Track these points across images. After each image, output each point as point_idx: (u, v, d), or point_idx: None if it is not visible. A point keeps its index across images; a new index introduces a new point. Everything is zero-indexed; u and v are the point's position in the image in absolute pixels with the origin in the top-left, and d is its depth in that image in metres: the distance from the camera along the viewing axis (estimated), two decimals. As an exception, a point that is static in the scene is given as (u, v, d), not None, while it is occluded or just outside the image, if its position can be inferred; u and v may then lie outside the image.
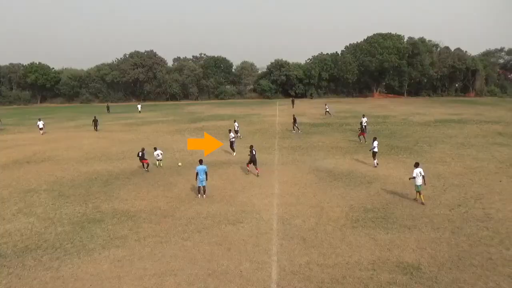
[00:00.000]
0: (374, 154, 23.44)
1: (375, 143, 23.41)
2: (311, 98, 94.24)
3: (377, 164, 23.32)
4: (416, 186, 16.66)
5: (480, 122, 42.63)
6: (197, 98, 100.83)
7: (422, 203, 16.44)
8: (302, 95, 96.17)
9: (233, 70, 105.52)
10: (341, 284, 10.48)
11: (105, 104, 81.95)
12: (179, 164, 12.39)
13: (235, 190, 19.32)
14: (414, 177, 16.67)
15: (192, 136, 37.93)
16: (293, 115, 39.76)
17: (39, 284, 10.94)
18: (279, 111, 62.01)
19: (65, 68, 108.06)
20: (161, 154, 25.37)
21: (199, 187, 18.27)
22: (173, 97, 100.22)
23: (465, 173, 21.18)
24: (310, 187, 19.43)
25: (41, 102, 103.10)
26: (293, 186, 19.68)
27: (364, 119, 35.62)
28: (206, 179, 18.22)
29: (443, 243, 12.73)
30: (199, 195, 18.34)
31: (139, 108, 69.79)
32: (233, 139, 28.98)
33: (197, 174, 17.98)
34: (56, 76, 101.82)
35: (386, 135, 34.94)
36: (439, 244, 12.71)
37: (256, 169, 22.03)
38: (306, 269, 11.32)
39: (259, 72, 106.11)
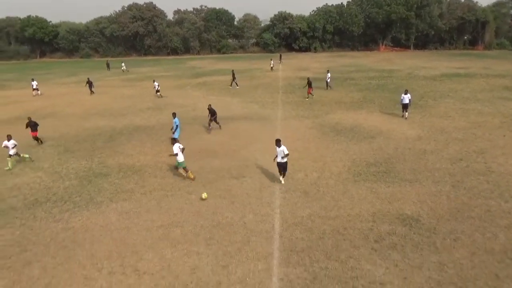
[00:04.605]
0: (404, 106, 23.46)
1: (407, 95, 23.16)
2: (315, 52, 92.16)
3: (407, 117, 23.39)
4: (178, 162, 15.12)
5: (487, 76, 41.83)
6: (198, 52, 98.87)
7: (193, 179, 15.16)
8: (306, 49, 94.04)
9: (235, 23, 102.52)
10: (342, 235, 10.82)
11: (106, 59, 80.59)
12: (203, 196, 11.84)
13: (238, 145, 19.44)
14: (176, 154, 14.94)
15: (194, 91, 37.62)
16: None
17: (51, 235, 11.36)
18: (282, 65, 60.92)
19: (63, 22, 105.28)
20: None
21: (173, 139, 19.18)
22: (174, 52, 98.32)
23: (469, 128, 21.13)
24: (313, 142, 19.52)
25: (40, 57, 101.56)
26: (296, 141, 19.76)
27: (328, 75, 35.80)
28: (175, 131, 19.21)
29: (443, 196, 12.97)
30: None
31: (123, 66, 60.66)
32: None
33: (174, 124, 19.21)
34: (54, 29, 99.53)
35: (391, 89, 34.50)
36: (439, 197, 12.94)
37: (217, 123, 22.44)
38: (308, 221, 11.64)
39: (262, 25, 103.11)
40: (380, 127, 21.96)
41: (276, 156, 14.06)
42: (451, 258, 9.51)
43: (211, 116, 22.10)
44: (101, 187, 14.84)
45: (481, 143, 18.47)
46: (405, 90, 23.60)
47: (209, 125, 22.49)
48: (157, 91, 34.75)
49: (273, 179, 14.91)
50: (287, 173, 14.55)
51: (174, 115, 19.35)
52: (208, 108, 22.26)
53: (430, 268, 9.18)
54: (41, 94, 38.14)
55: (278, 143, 13.87)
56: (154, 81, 36.20)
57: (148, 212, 12.60)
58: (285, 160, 13.94)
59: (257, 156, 17.68)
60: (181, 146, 15.19)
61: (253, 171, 15.84)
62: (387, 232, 10.86)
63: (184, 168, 15.27)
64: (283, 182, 14.26)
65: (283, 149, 13.70)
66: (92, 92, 37.67)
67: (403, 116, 23.62)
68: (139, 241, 10.84)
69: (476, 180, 14.22)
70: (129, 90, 40.31)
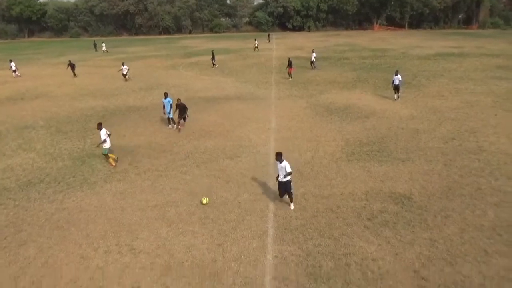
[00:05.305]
0: (395, 87, 23.05)
1: (397, 76, 22.74)
2: (309, 31, 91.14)
3: (397, 98, 23.07)
4: (104, 149, 14.57)
5: (480, 55, 41.80)
6: (190, 31, 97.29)
7: (113, 165, 14.76)
8: (300, 28, 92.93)
9: (228, 2, 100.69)
10: (335, 213, 10.96)
11: (96, 39, 79.01)
12: (203, 201, 11.15)
13: (232, 125, 19.39)
14: (104, 140, 14.33)
15: (186, 72, 37.20)
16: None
17: (45, 216, 11.37)
18: (275, 45, 60.25)
19: (51, 0, 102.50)
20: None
21: (168, 118, 19.23)
22: (166, 31, 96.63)
23: (462, 107, 21.24)
24: (307, 122, 19.52)
25: (28, 37, 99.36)
26: (290, 120, 19.76)
27: (314, 54, 35.70)
28: (171, 112, 19.04)
29: (435, 175, 13.14)
30: (170, 125, 19.28)
31: (104, 48, 57.96)
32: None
33: (163, 105, 18.88)
34: (42, 8, 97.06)
35: (384, 69, 34.39)
36: (431, 175, 13.11)
37: (179, 123, 18.66)
38: (302, 199, 11.76)
39: (255, 3, 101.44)
40: (373, 106, 21.98)
41: (278, 176, 11.06)
42: (442, 235, 9.72)
43: (180, 113, 18.34)
44: (94, 168, 14.79)
45: (474, 122, 18.62)
46: (396, 71, 23.24)
47: (178, 123, 18.61)
48: (124, 75, 32.73)
49: (268, 158, 14.95)
50: (293, 195, 11.43)
51: (165, 95, 19.13)
52: (177, 104, 18.23)
53: (421, 244, 9.38)
54: (20, 75, 36.78)
55: (279, 157, 10.75)
56: (123, 64, 33.29)
57: (143, 192, 12.63)
58: (287, 179, 10.93)
59: (251, 136, 17.67)
60: (108, 132, 14.68)
61: (248, 151, 15.86)
62: (379, 210, 11.03)
63: (106, 155, 14.65)
64: (292, 207, 11.26)
65: (285, 166, 10.67)
66: (74, 74, 35.81)
67: (395, 98, 23.21)
68: (134, 221, 10.90)
69: (468, 158, 14.40)
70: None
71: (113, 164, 14.77)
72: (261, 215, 11.03)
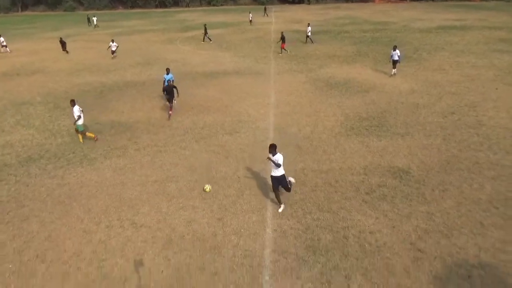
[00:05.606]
0: (394, 62, 22.40)
1: (395, 52, 22.06)
2: (309, 4, 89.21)
3: (394, 73, 22.46)
4: (77, 125, 14.54)
5: (483, 28, 41.09)
6: (187, 5, 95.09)
7: (82, 142, 14.86)
8: (300, 1, 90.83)
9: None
10: (333, 187, 11.06)
11: (92, 12, 77.33)
12: (206, 189, 10.70)
13: (231, 100, 19.28)
14: (78, 117, 14.23)
15: (184, 46, 36.64)
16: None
17: (47, 191, 11.46)
18: (274, 18, 59.11)
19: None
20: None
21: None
22: (162, 4, 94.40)
23: (462, 81, 21.08)
24: (306, 97, 19.41)
25: (22, 11, 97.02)
26: (289, 95, 19.63)
27: (309, 28, 34.92)
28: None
29: (433, 149, 13.18)
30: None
31: (95, 22, 55.82)
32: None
33: (164, 82, 18.02)
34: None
35: (385, 43, 33.88)
36: (430, 150, 13.16)
37: (170, 109, 17.20)
38: (301, 174, 11.84)
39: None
40: (373, 81, 21.80)
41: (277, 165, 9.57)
42: (439, 208, 9.85)
43: (169, 96, 16.86)
44: (94, 144, 14.79)
45: (474, 96, 18.52)
46: (394, 46, 22.58)
47: (170, 109, 16.99)
48: (113, 52, 31.51)
49: (267, 133, 14.95)
50: (290, 189, 10.28)
51: (167, 70, 18.78)
52: (164, 87, 16.98)
53: (418, 217, 9.52)
54: (10, 51, 36.03)
55: (272, 149, 9.44)
56: (112, 41, 31.86)
57: (143, 168, 12.69)
58: (281, 173, 9.68)
59: (250, 111, 17.60)
60: (81, 108, 14.56)
61: (247, 126, 15.84)
62: (377, 184, 11.13)
63: (81, 132, 14.63)
64: (281, 209, 9.98)
65: (278, 159, 9.46)
66: (65, 51, 34.49)
67: (392, 73, 22.57)
68: (135, 196, 11.01)
69: (467, 133, 14.41)
70: (118, 45, 39.03)
71: (81, 140, 14.80)
72: (260, 189, 11.13)
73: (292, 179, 10.56)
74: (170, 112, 17.06)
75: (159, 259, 8.48)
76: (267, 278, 7.80)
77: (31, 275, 8.15)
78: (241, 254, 8.50)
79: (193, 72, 25.31)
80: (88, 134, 15.02)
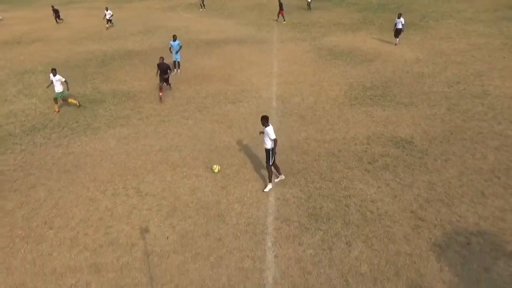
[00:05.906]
0: (396, 31, 21.64)
1: (400, 20, 21.23)
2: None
3: (397, 43, 21.83)
4: (56, 93, 14.72)
5: (493, -6, 39.77)
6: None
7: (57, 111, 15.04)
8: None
9: None
10: (336, 157, 11.12)
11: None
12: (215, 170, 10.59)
13: (234, 69, 19.06)
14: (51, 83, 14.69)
15: (186, 13, 35.84)
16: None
17: (52, 160, 11.59)
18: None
19: None
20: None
21: (174, 61, 18.57)
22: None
23: (469, 50, 20.65)
24: (310, 66, 19.15)
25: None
26: (292, 64, 19.37)
27: None
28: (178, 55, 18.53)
29: (437, 119, 13.12)
30: (175, 69, 18.64)
31: None
32: None
33: (170, 48, 18.44)
34: None
35: (392, 9, 32.96)
36: (433, 120, 13.10)
37: (161, 88, 15.81)
38: (304, 144, 11.88)
39: None
40: (378, 49, 21.39)
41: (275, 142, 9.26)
42: (441, 178, 9.93)
43: (162, 73, 15.58)
44: (97, 113, 14.81)
45: (480, 65, 18.21)
46: (399, 14, 21.67)
47: (160, 88, 15.63)
48: (109, 20, 30.08)
49: (270, 103, 14.88)
50: (273, 174, 9.85)
51: (174, 37, 18.46)
52: (158, 64, 15.68)
53: (420, 187, 9.62)
54: (2, 18, 35.37)
55: (264, 121, 9.09)
56: (106, 9, 30.40)
57: (146, 137, 12.75)
58: (270, 145, 9.22)
59: (253, 80, 17.44)
60: (63, 79, 14.67)
61: (250, 96, 15.75)
62: (380, 154, 11.17)
63: (56, 99, 14.78)
64: (267, 189, 9.69)
65: (268, 130, 9.04)
66: (57, 21, 33.07)
67: (395, 42, 21.91)
68: (139, 165, 11.13)
69: (472, 102, 14.28)
70: (117, 12, 38.21)
71: (56, 109, 14.99)
72: (263, 159, 11.18)
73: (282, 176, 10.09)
74: (161, 93, 15.59)
75: (164, 226, 8.68)
76: (269, 244, 8.00)
77: (40, 240, 8.39)
78: (244, 222, 8.68)
79: (196, 40, 24.90)
80: (70, 100, 15.17)
